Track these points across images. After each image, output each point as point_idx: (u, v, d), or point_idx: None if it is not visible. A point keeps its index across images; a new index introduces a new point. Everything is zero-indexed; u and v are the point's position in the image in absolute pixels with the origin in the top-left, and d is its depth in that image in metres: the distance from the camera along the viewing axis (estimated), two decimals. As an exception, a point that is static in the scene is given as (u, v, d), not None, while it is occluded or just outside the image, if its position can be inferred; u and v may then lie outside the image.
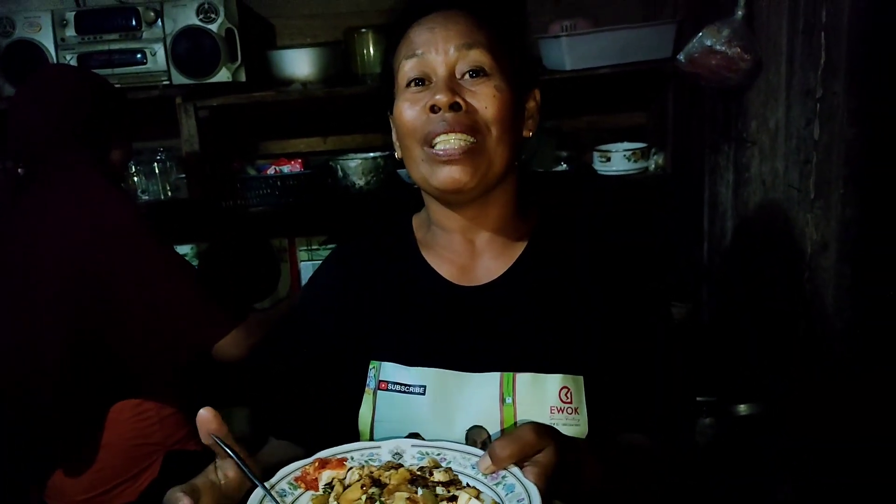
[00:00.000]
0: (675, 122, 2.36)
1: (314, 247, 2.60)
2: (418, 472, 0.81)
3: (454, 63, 0.93)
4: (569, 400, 0.92)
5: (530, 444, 0.77)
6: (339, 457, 0.85)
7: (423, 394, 0.95)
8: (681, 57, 1.85)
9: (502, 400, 0.93)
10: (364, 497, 0.78)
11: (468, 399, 0.94)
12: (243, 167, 2.48)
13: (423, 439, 0.94)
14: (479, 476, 0.80)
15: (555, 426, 0.88)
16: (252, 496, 0.79)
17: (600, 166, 2.39)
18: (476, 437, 0.93)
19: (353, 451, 0.87)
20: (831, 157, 1.50)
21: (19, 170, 1.71)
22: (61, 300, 1.53)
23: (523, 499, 0.74)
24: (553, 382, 0.92)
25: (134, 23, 2.22)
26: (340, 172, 2.37)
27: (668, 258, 2.43)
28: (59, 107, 1.60)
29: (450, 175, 0.91)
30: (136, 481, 1.63)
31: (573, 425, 0.92)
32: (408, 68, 0.94)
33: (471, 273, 1.00)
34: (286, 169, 2.43)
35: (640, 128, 2.57)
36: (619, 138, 2.47)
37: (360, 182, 2.35)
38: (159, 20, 2.21)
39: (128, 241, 1.53)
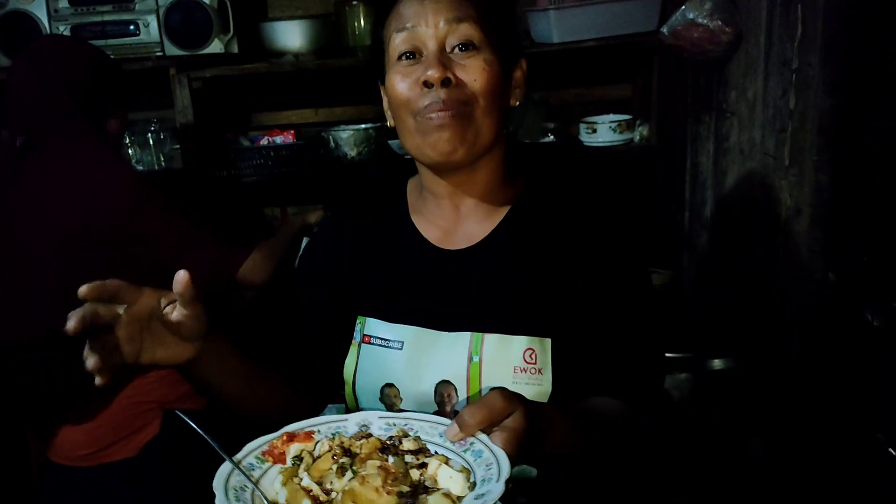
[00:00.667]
0: (659, 94, 2.41)
1: (306, 216, 2.64)
2: (388, 441, 0.82)
3: (444, 36, 0.95)
4: (533, 361, 0.96)
5: (498, 409, 0.78)
6: (306, 430, 0.85)
7: (401, 349, 1.01)
8: (664, 30, 1.90)
9: (470, 358, 0.97)
10: (335, 466, 0.78)
11: (440, 356, 0.99)
12: (236, 138, 2.51)
13: (397, 390, 1.01)
14: (448, 444, 0.80)
15: (517, 385, 0.95)
16: (219, 471, 0.79)
17: (587, 137, 2.44)
18: (443, 391, 0.99)
19: (321, 425, 0.87)
20: (806, 126, 1.57)
21: (17, 140, 1.74)
22: (67, 266, 1.57)
23: (492, 464, 0.75)
24: (519, 343, 0.96)
25: (127, -6, 2.24)
26: (332, 143, 2.41)
27: (651, 227, 2.50)
28: (58, 76, 1.63)
29: (442, 144, 0.94)
30: (135, 437, 1.67)
31: (535, 385, 0.95)
32: (398, 41, 0.97)
33: (454, 237, 1.04)
34: (279, 140, 2.48)
35: (625, 100, 2.62)
36: (605, 110, 2.52)
37: (352, 153, 2.40)
38: (152, -9, 2.23)
39: (132, 201, 1.58)
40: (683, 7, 1.84)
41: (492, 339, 0.97)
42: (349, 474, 0.77)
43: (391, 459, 0.78)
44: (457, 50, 0.96)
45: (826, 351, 1.53)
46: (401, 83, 0.97)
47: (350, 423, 0.87)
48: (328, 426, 0.86)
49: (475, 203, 1.04)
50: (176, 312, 0.86)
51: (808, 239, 1.58)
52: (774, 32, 1.68)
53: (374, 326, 1.04)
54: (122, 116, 1.76)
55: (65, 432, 1.67)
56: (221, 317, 1.69)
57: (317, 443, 0.83)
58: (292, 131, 2.53)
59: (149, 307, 0.85)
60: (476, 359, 0.97)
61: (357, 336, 1.05)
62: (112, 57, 1.86)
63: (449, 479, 0.76)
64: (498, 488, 0.72)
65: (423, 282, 1.04)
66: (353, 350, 1.05)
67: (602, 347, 0.98)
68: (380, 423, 0.87)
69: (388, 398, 1.02)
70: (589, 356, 0.98)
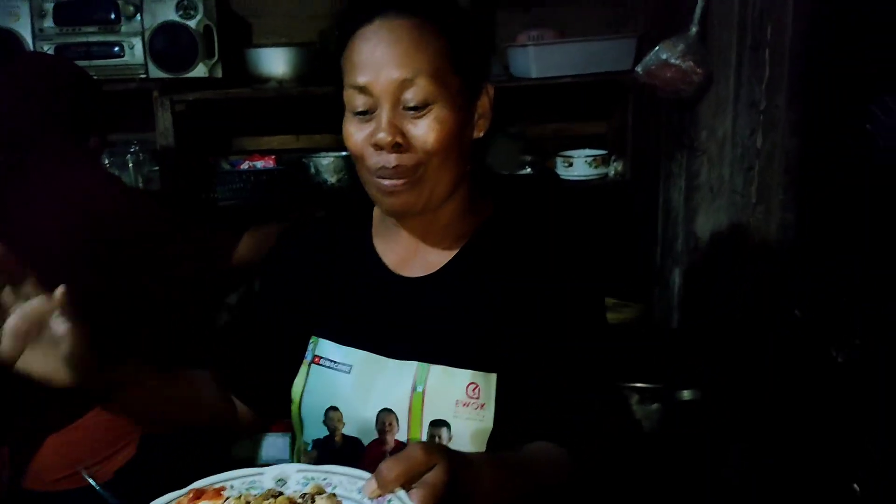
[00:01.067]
0: (634, 131, 2.47)
1: (284, 241, 2.66)
2: (299, 500, 0.78)
3: (396, 93, 0.92)
4: (476, 395, 0.95)
5: (417, 462, 0.75)
6: (216, 486, 0.82)
7: (349, 372, 1.01)
8: (639, 69, 1.96)
9: (413, 388, 0.96)
10: None
11: (385, 383, 0.98)
12: (217, 162, 2.53)
13: (341, 414, 1.00)
14: (365, 501, 0.77)
15: (457, 419, 0.94)
16: None
17: (563, 171, 2.49)
18: (385, 419, 0.98)
19: (234, 479, 0.83)
20: (773, 164, 1.62)
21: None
22: (62, 274, 1.56)
23: None
24: (462, 377, 0.95)
25: (113, 16, 2.26)
26: (313, 169, 2.44)
27: (622, 261, 2.54)
28: (40, 93, 1.64)
29: (395, 204, 0.95)
30: (111, 461, 1.65)
31: (477, 420, 0.94)
32: (351, 96, 0.94)
33: (411, 264, 1.03)
34: (259, 164, 2.49)
35: (601, 136, 2.68)
36: (581, 145, 2.58)
37: (332, 179, 2.42)
38: (138, 14, 2.26)
39: (120, 205, 1.60)
40: (657, 48, 1.90)
41: (437, 371, 0.96)
42: None
43: None
44: (411, 109, 0.92)
45: (791, 386, 1.57)
46: (355, 135, 0.95)
47: (266, 478, 0.83)
48: (242, 481, 0.83)
49: (434, 231, 1.03)
50: (57, 324, 0.84)
51: (774, 275, 1.62)
52: (743, 74, 1.75)
53: (325, 347, 1.03)
54: (102, 133, 1.78)
55: (43, 456, 1.65)
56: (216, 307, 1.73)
57: (225, 500, 0.80)
58: (273, 157, 2.55)
59: (43, 310, 0.84)
60: (420, 388, 0.96)
61: (308, 356, 1.04)
62: (94, 76, 1.88)
63: None
64: None
65: (377, 307, 1.03)
66: (303, 369, 1.04)
67: (549, 388, 0.96)
68: (297, 478, 0.82)
69: (332, 421, 1.01)
70: (534, 395, 0.96)
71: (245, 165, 2.50)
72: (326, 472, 0.82)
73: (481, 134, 1.00)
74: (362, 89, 0.93)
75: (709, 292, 1.90)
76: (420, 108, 0.92)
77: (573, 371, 0.98)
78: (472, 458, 0.81)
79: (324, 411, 1.02)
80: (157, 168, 2.44)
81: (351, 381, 1.00)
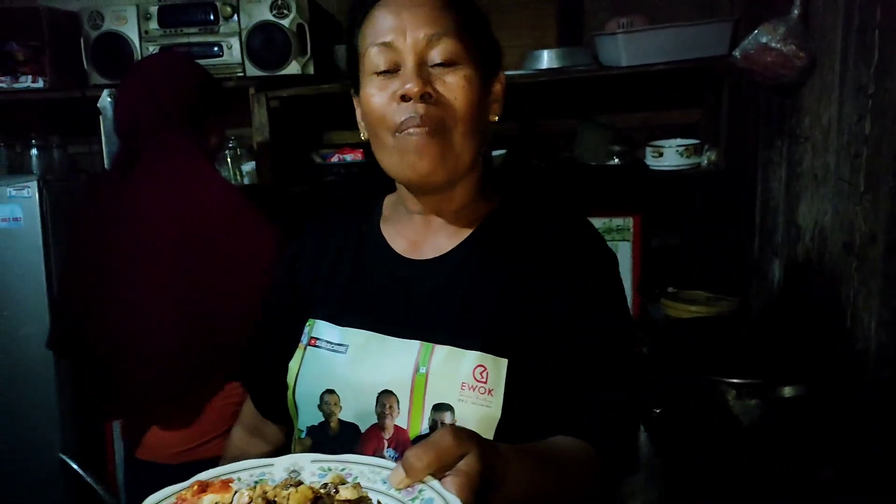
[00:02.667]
0: (729, 119, 2.40)
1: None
2: (322, 490, 0.71)
3: (423, 51, 0.90)
4: (483, 380, 0.89)
5: (448, 450, 0.70)
6: (223, 478, 0.75)
7: (345, 353, 0.95)
8: (736, 53, 1.89)
9: (416, 369, 0.91)
10: None
11: (385, 362, 0.93)
12: (309, 155, 2.60)
13: (338, 397, 0.94)
14: (392, 492, 0.71)
15: (462, 402, 0.88)
16: None
17: (653, 161, 2.44)
18: (386, 401, 0.92)
19: (242, 471, 0.76)
20: (881, 151, 1.54)
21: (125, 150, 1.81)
22: (169, 272, 1.64)
23: None
24: (469, 359, 0.90)
25: (212, 17, 2.36)
26: (400, 162, 2.47)
27: (714, 254, 2.47)
28: (168, 92, 1.71)
29: (420, 165, 0.90)
30: (225, 438, 1.73)
31: (483, 405, 0.89)
32: (374, 55, 0.92)
33: (420, 248, 1.00)
34: (349, 157, 2.56)
35: (692, 125, 2.61)
36: (671, 135, 2.52)
37: (419, 171, 2.45)
38: (235, 15, 2.35)
39: (230, 214, 1.65)
40: (756, 31, 1.83)
41: (442, 351, 0.91)
42: None
43: None
44: (437, 66, 0.91)
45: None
46: (376, 97, 0.92)
47: (277, 469, 0.77)
48: (250, 473, 0.76)
49: (446, 216, 1.00)
50: None
51: (882, 266, 1.54)
52: (850, 57, 1.66)
53: (321, 329, 0.99)
54: (220, 131, 1.85)
55: (159, 432, 1.73)
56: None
57: (235, 492, 0.73)
58: (361, 150, 2.60)
59: None
60: (423, 370, 0.90)
61: (304, 339, 1.00)
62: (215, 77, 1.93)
63: None
64: None
65: (380, 288, 0.99)
66: (298, 353, 1.00)
67: (565, 378, 0.92)
68: (312, 469, 0.76)
69: (328, 406, 0.96)
70: (548, 387, 0.91)
71: (335, 158, 2.56)
72: (344, 461, 0.77)
73: (496, 119, 0.99)
74: (387, 46, 0.91)
75: (811, 284, 1.82)
76: (448, 65, 0.91)
77: (591, 362, 0.93)
78: (500, 448, 0.77)
79: (319, 395, 0.97)
80: (253, 162, 2.53)
81: (346, 361, 0.95)
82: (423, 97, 0.89)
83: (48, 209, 2.29)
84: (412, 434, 0.91)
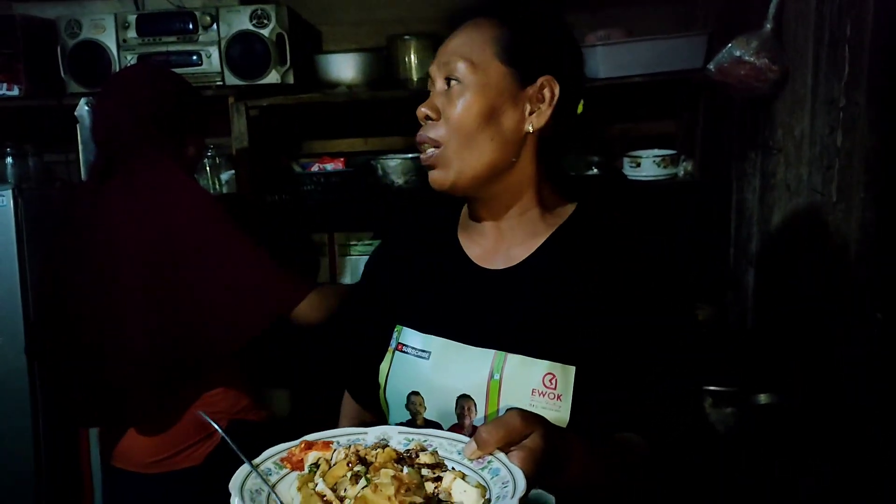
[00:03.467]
0: (704, 131, 2.43)
1: (352, 242, 2.71)
2: (404, 453, 0.82)
3: (443, 74, 1.03)
4: (552, 386, 0.96)
5: (516, 429, 0.78)
6: (325, 440, 0.86)
7: (428, 359, 1.04)
8: (711, 67, 1.93)
9: (491, 375, 0.99)
10: (350, 474, 0.78)
11: (464, 369, 1.01)
12: (289, 164, 2.60)
13: (423, 398, 1.04)
14: (465, 461, 0.80)
15: (534, 407, 0.94)
16: (237, 473, 0.81)
17: (631, 171, 2.47)
18: (464, 404, 1.01)
19: (340, 437, 0.87)
20: (853, 163, 1.58)
21: (103, 159, 1.81)
22: (143, 281, 1.63)
23: (508, 482, 0.74)
24: (540, 367, 0.97)
25: (191, 26, 2.35)
26: (381, 171, 2.48)
27: (692, 263, 2.50)
28: (147, 103, 1.70)
29: (431, 177, 1.03)
30: (201, 446, 1.71)
31: (553, 410, 0.95)
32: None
33: (495, 257, 1.07)
34: (329, 167, 2.55)
35: (669, 136, 2.64)
36: (648, 145, 2.55)
37: (400, 181, 2.46)
38: (215, 24, 2.34)
39: (205, 225, 1.64)
40: (730, 45, 1.87)
41: (514, 360, 0.98)
42: (363, 482, 0.77)
43: (406, 470, 0.78)
44: (447, 84, 1.03)
45: (872, 389, 1.52)
46: None
47: (369, 437, 0.88)
48: (347, 438, 0.87)
49: (514, 227, 1.06)
50: None
51: (854, 276, 1.58)
52: (821, 71, 1.71)
53: (408, 335, 1.07)
54: (199, 142, 1.84)
55: (133, 440, 1.72)
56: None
57: (334, 451, 0.84)
58: (342, 159, 2.61)
59: None
60: (497, 376, 0.98)
61: (392, 343, 1.09)
62: (194, 85, 1.91)
63: (463, 492, 0.76)
64: None
65: (459, 297, 1.07)
66: (388, 356, 1.09)
67: (628, 385, 0.97)
68: (399, 438, 0.87)
69: (414, 406, 1.05)
70: (613, 391, 0.97)
71: (315, 168, 2.56)
72: (426, 434, 0.87)
73: (531, 129, 1.01)
74: (430, 69, 1.05)
75: (785, 294, 1.86)
76: (450, 84, 1.02)
77: (655, 369, 0.98)
78: (567, 434, 0.84)
79: (406, 396, 1.06)
80: (232, 171, 2.53)
81: (430, 367, 1.04)
82: (427, 118, 1.02)
83: (23, 218, 2.27)
84: None
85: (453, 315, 1.05)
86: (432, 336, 1.05)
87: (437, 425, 1.03)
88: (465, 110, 0.99)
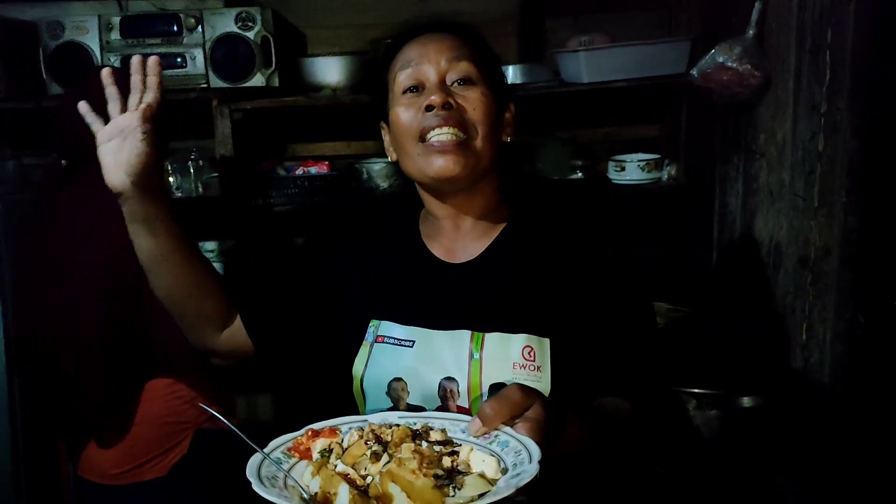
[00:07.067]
0: (687, 135, 2.45)
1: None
2: (418, 429, 0.85)
3: (445, 72, 1.06)
4: (531, 358, 1.02)
5: (518, 402, 0.83)
6: (330, 426, 0.89)
7: (412, 346, 1.08)
8: (694, 72, 1.95)
9: (471, 356, 1.04)
10: (369, 452, 0.80)
11: (444, 353, 1.06)
12: (273, 167, 2.59)
13: (405, 383, 1.07)
14: (470, 438, 0.83)
15: (515, 380, 1.00)
16: (250, 461, 0.82)
17: (615, 175, 2.48)
18: (447, 386, 1.05)
19: (342, 424, 0.90)
20: (835, 168, 1.60)
21: (63, 162, 1.81)
22: (98, 284, 1.63)
23: (521, 450, 0.77)
24: (517, 341, 1.03)
25: (175, 28, 2.33)
26: (365, 175, 2.48)
27: (672, 267, 2.52)
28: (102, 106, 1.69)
29: (444, 165, 1.03)
30: (166, 457, 1.71)
31: (535, 381, 1.00)
32: (403, 78, 1.07)
33: (456, 252, 1.14)
34: (313, 170, 2.55)
35: (653, 140, 2.66)
36: (633, 149, 2.57)
37: (384, 184, 2.46)
38: (199, 26, 2.33)
39: None
40: (713, 51, 1.89)
41: (493, 338, 1.04)
42: (385, 458, 0.79)
43: (424, 445, 0.81)
44: (456, 84, 1.06)
45: (855, 392, 1.54)
46: (405, 112, 1.07)
47: (371, 422, 0.89)
48: (349, 425, 0.90)
49: (473, 223, 1.13)
50: (137, 132, 1.06)
51: (836, 280, 1.60)
52: (803, 77, 1.73)
53: (387, 328, 1.12)
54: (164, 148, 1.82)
55: (97, 451, 1.71)
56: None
57: (345, 434, 0.87)
58: (326, 162, 2.60)
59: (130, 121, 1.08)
60: (477, 356, 1.04)
61: (370, 337, 1.13)
62: None
63: (482, 462, 0.79)
64: (532, 468, 0.74)
65: (431, 290, 1.13)
66: (363, 349, 1.12)
67: (597, 349, 1.03)
68: (400, 423, 0.88)
69: (396, 392, 1.08)
70: (585, 357, 1.03)
71: (300, 171, 2.55)
72: (427, 416, 0.90)
73: (508, 139, 1.13)
74: (414, 68, 1.07)
75: (767, 297, 1.88)
76: (466, 83, 1.06)
77: (621, 334, 1.05)
78: (558, 402, 0.89)
79: (387, 383, 1.09)
80: (215, 174, 2.51)
81: (414, 354, 1.08)
82: (445, 106, 1.04)
83: (1, 221, 2.24)
84: (474, 413, 0.98)
85: (429, 306, 1.11)
86: (413, 327, 1.10)
87: (420, 409, 1.06)
88: (487, 107, 1.06)
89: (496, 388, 1.01)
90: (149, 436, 1.70)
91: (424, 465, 0.77)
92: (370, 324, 1.14)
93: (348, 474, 0.79)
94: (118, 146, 1.08)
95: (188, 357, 1.71)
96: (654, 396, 1.06)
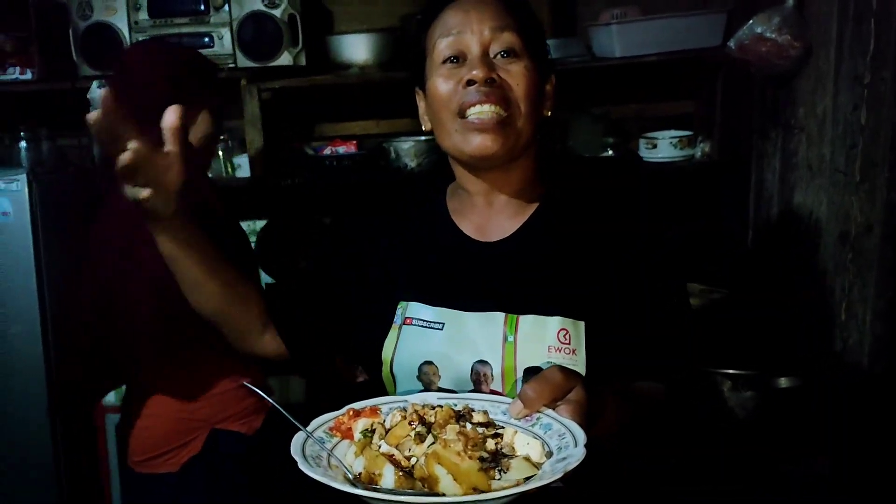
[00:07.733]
0: (722, 110, 2.39)
1: (366, 225, 2.70)
2: (461, 410, 0.84)
3: (488, 43, 1.00)
4: (567, 341, 0.99)
5: (559, 384, 0.82)
6: (371, 406, 0.88)
7: (442, 329, 1.05)
8: (731, 44, 1.89)
9: (504, 338, 1.01)
10: (413, 433, 0.80)
11: (476, 336, 1.03)
12: (301, 147, 2.58)
13: (436, 367, 1.04)
14: (513, 421, 0.82)
15: (551, 363, 0.96)
16: (294, 440, 0.81)
17: (646, 153, 2.43)
18: (480, 370, 1.02)
19: (383, 404, 0.89)
20: (878, 141, 1.54)
21: (95, 148, 1.79)
22: (143, 272, 1.62)
23: (564, 434, 0.77)
24: (553, 324, 1.00)
25: (202, 7, 2.33)
26: (393, 154, 2.46)
27: (707, 246, 2.47)
28: (157, 77, 1.62)
29: (482, 143, 0.98)
30: (178, 453, 1.70)
31: (570, 365, 0.97)
32: (443, 46, 1.02)
33: (488, 230, 1.09)
34: (342, 150, 2.54)
35: (686, 116, 2.60)
36: (665, 126, 2.51)
37: (412, 163, 2.44)
38: (227, 5, 2.32)
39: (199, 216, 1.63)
40: (751, 21, 1.83)
41: (527, 320, 1.01)
42: (430, 439, 0.79)
43: (468, 426, 0.80)
44: (499, 56, 1.01)
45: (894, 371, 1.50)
46: (444, 84, 1.01)
47: (411, 403, 0.88)
48: (389, 406, 0.89)
49: (507, 200, 1.08)
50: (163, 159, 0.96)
51: (878, 257, 1.55)
52: (845, 47, 1.66)
53: (416, 309, 1.08)
54: (213, 125, 1.74)
55: (133, 433, 1.73)
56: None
57: (387, 415, 0.86)
58: (354, 142, 2.59)
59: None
60: (511, 339, 1.01)
61: (398, 319, 1.09)
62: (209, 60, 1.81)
63: (526, 445, 0.78)
64: (578, 452, 0.73)
65: (462, 270, 1.08)
66: (392, 332, 1.09)
67: (633, 333, 1.01)
68: (441, 404, 0.87)
69: (427, 376, 1.05)
70: (619, 340, 1.01)
71: (328, 151, 2.54)
72: (466, 398, 0.89)
73: (548, 114, 1.08)
74: (455, 37, 1.01)
75: (806, 276, 1.82)
76: (510, 55, 1.00)
77: (655, 317, 1.03)
78: (596, 385, 0.87)
79: (417, 367, 1.06)
80: (245, 155, 2.51)
81: (444, 336, 1.05)
82: (488, 81, 0.98)
83: (38, 203, 2.26)
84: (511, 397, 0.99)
85: (460, 287, 1.07)
86: (442, 308, 1.06)
87: (452, 392, 1.03)
88: (531, 81, 1.01)
89: (531, 372, 0.98)
90: (161, 430, 1.69)
91: (469, 447, 0.76)
92: (398, 305, 1.10)
93: (392, 455, 0.79)
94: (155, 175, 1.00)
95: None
96: (685, 379, 1.05)
